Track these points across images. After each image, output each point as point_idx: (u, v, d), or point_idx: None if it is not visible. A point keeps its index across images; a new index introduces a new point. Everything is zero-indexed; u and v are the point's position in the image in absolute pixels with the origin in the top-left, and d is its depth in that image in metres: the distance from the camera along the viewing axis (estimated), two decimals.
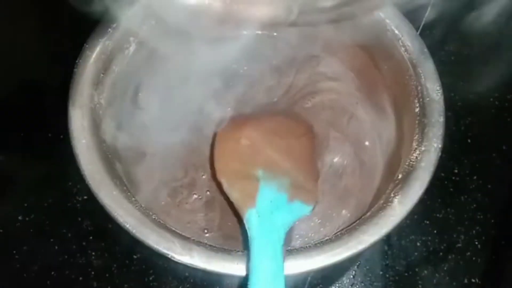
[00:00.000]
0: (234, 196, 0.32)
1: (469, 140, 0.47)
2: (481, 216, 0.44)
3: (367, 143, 0.41)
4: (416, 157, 0.34)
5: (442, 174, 0.45)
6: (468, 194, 0.45)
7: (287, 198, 0.31)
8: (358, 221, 0.32)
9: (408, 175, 0.33)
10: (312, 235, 0.38)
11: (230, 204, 0.34)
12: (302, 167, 0.35)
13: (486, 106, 0.49)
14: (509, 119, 0.49)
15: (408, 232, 0.43)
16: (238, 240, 0.36)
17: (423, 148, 0.34)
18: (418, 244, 0.43)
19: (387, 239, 0.38)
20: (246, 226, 0.30)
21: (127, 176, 0.36)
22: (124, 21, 0.36)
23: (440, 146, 0.34)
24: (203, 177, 0.39)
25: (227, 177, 0.34)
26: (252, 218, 0.30)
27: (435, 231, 0.44)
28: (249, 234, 0.29)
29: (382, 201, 0.33)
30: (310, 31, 0.42)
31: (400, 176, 0.34)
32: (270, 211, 0.30)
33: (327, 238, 0.32)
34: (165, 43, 0.37)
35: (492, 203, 0.45)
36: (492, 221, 0.44)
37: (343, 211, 0.38)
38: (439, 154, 0.34)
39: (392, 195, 0.33)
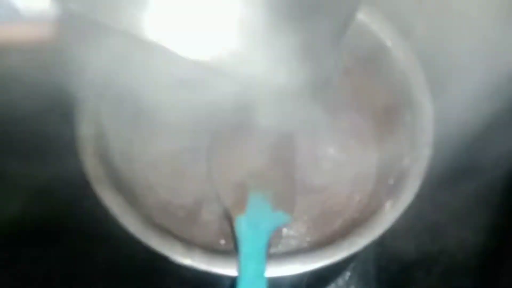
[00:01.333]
0: (226, 203, 0.36)
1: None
2: (474, 219, 0.45)
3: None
4: (408, 164, 0.35)
5: (436, 177, 0.46)
6: (461, 197, 0.46)
7: (270, 208, 0.35)
8: (350, 224, 0.34)
9: (400, 181, 0.35)
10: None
11: None
12: (283, 179, 0.38)
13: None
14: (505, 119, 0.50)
15: (402, 234, 0.44)
16: None
17: (414, 155, 0.36)
18: (412, 246, 0.44)
19: (380, 241, 0.39)
20: (236, 230, 0.33)
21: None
22: None
23: (429, 153, 0.35)
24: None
25: (221, 185, 0.37)
26: (241, 225, 0.33)
27: (428, 234, 0.45)
28: (238, 238, 0.33)
29: (374, 204, 0.35)
30: None
31: (392, 182, 0.36)
32: (257, 219, 0.34)
33: (320, 240, 0.33)
34: None
35: (485, 207, 0.46)
36: (485, 224, 0.45)
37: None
38: (429, 161, 0.35)
39: (384, 199, 0.34)
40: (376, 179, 0.40)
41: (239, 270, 0.30)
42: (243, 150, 0.39)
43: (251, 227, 0.33)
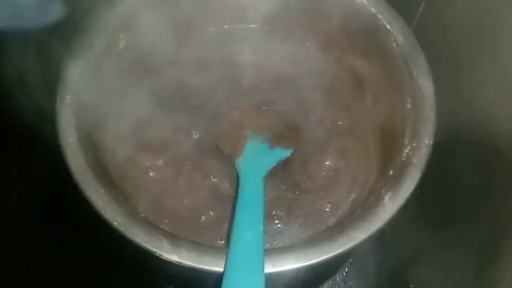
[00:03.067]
0: (226, 151, 0.38)
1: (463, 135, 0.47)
2: (474, 212, 0.44)
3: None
4: (407, 154, 0.34)
5: (436, 169, 0.45)
6: (461, 189, 0.45)
7: (268, 146, 0.38)
8: (349, 218, 0.32)
9: (400, 171, 0.33)
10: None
11: None
12: (284, 123, 0.41)
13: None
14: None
15: (401, 228, 0.42)
16: None
17: (414, 145, 0.34)
18: (411, 240, 0.43)
19: (380, 235, 0.38)
20: (237, 170, 0.36)
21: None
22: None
23: (431, 142, 0.34)
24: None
25: (223, 140, 0.39)
26: (240, 163, 0.36)
27: (428, 227, 0.43)
28: (238, 174, 0.36)
29: (373, 198, 0.33)
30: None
31: (391, 172, 0.34)
32: (254, 156, 0.37)
33: (317, 234, 0.31)
34: None
35: (485, 199, 0.45)
36: (485, 216, 0.44)
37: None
38: (431, 150, 0.33)
39: (383, 191, 0.32)
40: (377, 171, 0.38)
41: (239, 195, 0.32)
42: (244, 116, 0.41)
43: (249, 163, 0.36)
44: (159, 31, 0.40)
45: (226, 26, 0.45)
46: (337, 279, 0.41)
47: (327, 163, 0.40)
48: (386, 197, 0.32)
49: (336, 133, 0.41)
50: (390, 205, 0.31)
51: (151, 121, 0.39)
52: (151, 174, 0.38)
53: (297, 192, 0.38)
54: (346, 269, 0.42)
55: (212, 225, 0.37)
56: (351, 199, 0.38)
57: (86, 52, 0.36)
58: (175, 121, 0.39)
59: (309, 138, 0.40)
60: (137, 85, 0.41)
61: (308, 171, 0.39)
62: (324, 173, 0.39)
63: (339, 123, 0.41)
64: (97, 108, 0.36)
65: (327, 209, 0.38)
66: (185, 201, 0.38)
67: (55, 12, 0.35)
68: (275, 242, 0.37)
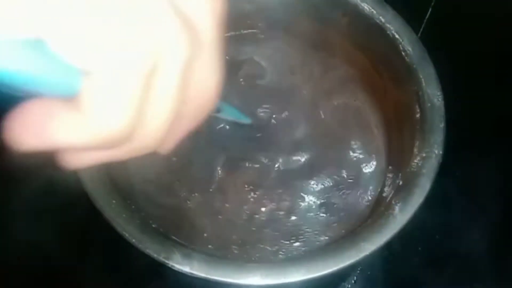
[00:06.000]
0: None
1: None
2: (485, 221, 0.44)
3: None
4: (417, 164, 0.34)
5: (445, 178, 0.45)
6: (471, 198, 0.45)
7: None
8: (358, 228, 0.32)
9: (409, 182, 0.33)
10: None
11: None
12: None
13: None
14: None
15: (410, 237, 0.43)
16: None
17: (424, 155, 0.34)
18: (420, 249, 0.43)
19: (388, 244, 0.38)
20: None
21: None
22: None
23: (441, 152, 0.34)
24: None
25: None
26: None
27: (437, 236, 0.43)
28: None
29: (382, 208, 0.33)
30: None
31: (401, 182, 0.34)
32: None
33: (328, 244, 0.32)
34: None
35: (495, 207, 0.44)
36: (496, 225, 0.43)
37: None
38: (440, 160, 0.33)
39: (393, 202, 0.32)
40: (385, 181, 0.38)
41: None
42: None
43: None
44: None
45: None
46: (345, 287, 0.42)
47: None
48: (397, 208, 0.32)
49: None
50: (400, 216, 0.32)
51: None
52: None
53: None
54: (355, 277, 0.42)
55: None
56: None
57: None
58: None
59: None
60: None
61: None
62: None
63: None
64: None
65: None
66: None
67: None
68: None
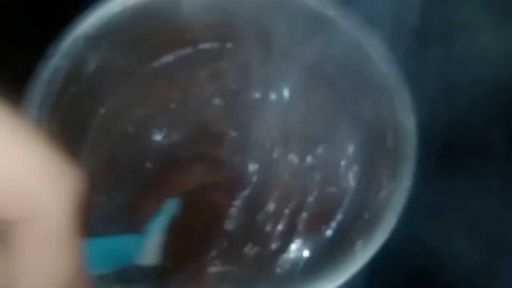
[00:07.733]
0: None
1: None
2: (470, 235, 0.41)
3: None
4: (385, 196, 0.31)
5: (428, 191, 0.42)
6: (455, 214, 0.42)
7: None
8: (316, 265, 0.30)
9: (375, 215, 0.31)
10: None
11: None
12: None
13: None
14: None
15: (393, 253, 0.40)
16: None
17: (392, 186, 0.31)
18: (404, 265, 0.40)
19: (371, 262, 0.35)
20: None
21: None
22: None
23: (409, 184, 0.31)
24: None
25: None
26: None
27: (421, 251, 0.41)
28: None
29: (344, 243, 0.31)
30: None
31: (366, 216, 0.32)
32: None
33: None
34: None
35: (482, 220, 0.42)
36: (483, 238, 0.41)
37: None
38: (409, 193, 0.31)
39: (355, 237, 0.30)
40: (349, 213, 0.35)
41: None
42: None
43: None
44: None
45: None
46: None
47: None
48: (358, 243, 0.30)
49: None
50: (361, 254, 0.29)
51: None
52: None
53: None
54: None
55: None
56: None
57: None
58: None
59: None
60: None
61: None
62: None
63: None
64: None
65: None
66: None
67: None
68: None
